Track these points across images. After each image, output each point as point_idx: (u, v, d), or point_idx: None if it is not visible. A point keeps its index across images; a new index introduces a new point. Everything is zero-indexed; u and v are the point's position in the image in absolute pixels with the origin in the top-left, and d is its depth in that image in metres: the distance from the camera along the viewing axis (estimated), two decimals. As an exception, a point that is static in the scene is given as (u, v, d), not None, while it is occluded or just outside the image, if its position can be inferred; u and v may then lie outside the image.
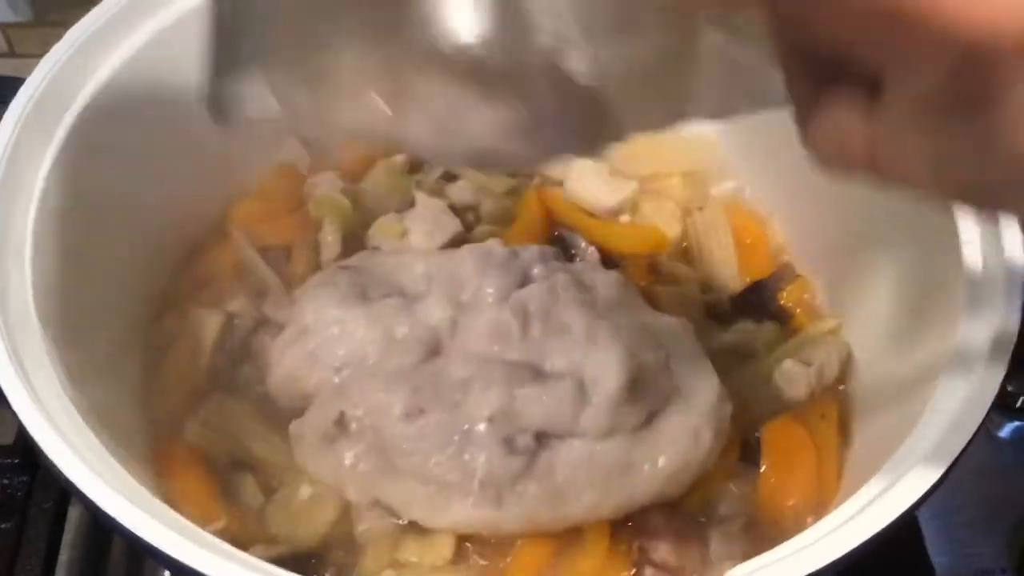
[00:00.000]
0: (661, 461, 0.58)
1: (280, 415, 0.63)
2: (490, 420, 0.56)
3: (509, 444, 0.56)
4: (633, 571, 0.58)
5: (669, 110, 0.39)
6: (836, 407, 0.65)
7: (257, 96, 0.38)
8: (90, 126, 0.61)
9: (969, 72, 0.29)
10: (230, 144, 0.67)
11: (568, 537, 0.58)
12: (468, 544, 0.58)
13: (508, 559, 0.58)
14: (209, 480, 0.61)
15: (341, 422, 0.59)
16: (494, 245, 0.66)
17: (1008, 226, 0.56)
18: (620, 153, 0.76)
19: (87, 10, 0.63)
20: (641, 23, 0.35)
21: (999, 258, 0.55)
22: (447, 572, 0.58)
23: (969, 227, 0.56)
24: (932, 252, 0.59)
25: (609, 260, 0.72)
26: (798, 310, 0.72)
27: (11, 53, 1.00)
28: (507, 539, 0.58)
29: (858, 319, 0.68)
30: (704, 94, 0.38)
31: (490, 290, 0.62)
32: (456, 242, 0.71)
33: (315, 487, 0.60)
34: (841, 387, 0.67)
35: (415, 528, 0.58)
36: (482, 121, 0.37)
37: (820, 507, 0.60)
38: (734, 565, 0.46)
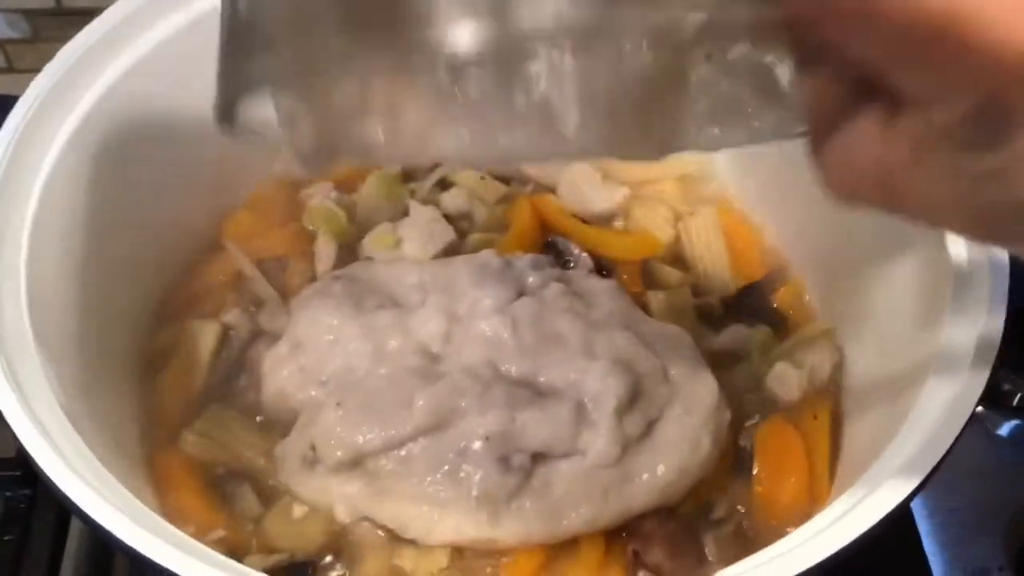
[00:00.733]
0: (660, 470, 0.58)
1: (276, 426, 0.63)
2: (487, 439, 0.56)
3: (505, 462, 0.56)
4: (627, 575, 0.58)
5: (661, 142, 0.39)
6: (828, 409, 0.65)
7: (264, 110, 0.38)
8: (85, 142, 0.62)
9: (1005, 99, 0.29)
10: (225, 158, 0.67)
11: (562, 543, 0.58)
12: (464, 552, 0.58)
13: (503, 565, 0.58)
14: (207, 491, 0.62)
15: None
16: (489, 256, 0.66)
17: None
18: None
19: (84, 27, 0.64)
20: (630, 54, 0.35)
21: (985, 260, 0.55)
22: (443, 580, 0.58)
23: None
24: (920, 254, 0.60)
25: (602, 266, 0.72)
26: (790, 313, 0.72)
27: (9, 69, 1.01)
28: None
29: (849, 321, 0.68)
30: (696, 127, 0.38)
31: (487, 302, 0.62)
32: (450, 250, 0.71)
33: (310, 501, 0.61)
34: (833, 389, 0.67)
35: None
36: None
37: (813, 508, 0.60)
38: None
